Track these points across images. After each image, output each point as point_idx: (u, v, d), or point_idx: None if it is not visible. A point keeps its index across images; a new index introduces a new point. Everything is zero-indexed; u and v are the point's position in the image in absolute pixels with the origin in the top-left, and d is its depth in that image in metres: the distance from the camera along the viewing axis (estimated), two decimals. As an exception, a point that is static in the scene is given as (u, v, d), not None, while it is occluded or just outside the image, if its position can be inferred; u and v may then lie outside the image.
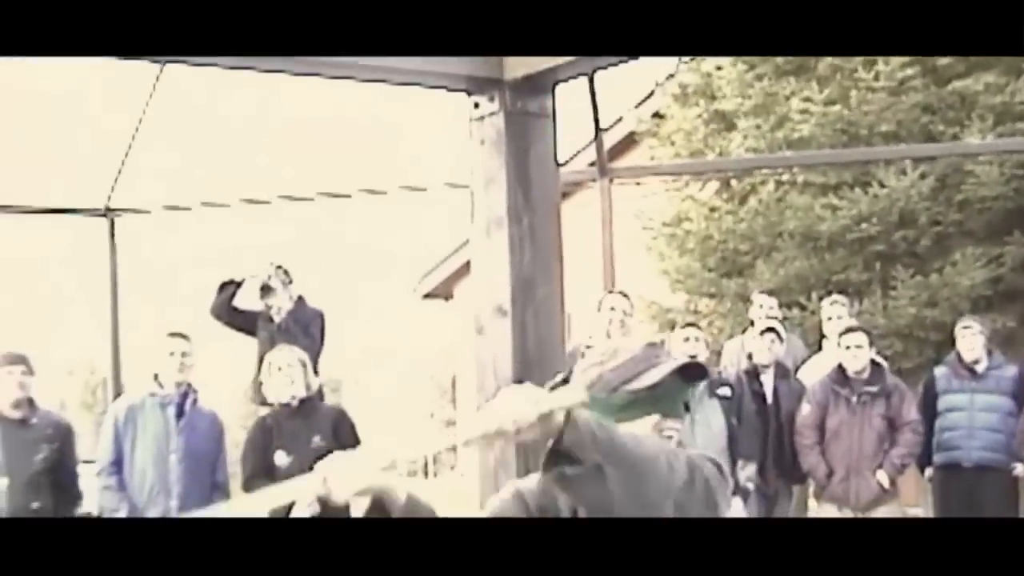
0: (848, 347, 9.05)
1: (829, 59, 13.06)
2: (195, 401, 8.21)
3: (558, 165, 5.39)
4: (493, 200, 5.21)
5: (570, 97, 7.04)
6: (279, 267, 9.63)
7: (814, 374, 9.53)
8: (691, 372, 3.06)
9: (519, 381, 3.06)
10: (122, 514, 7.95)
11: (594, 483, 2.69)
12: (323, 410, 8.21)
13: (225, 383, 25.14)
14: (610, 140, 14.25)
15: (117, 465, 8.06)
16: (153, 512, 7.93)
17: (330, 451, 7.34)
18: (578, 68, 5.21)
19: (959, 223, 12.99)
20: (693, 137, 14.32)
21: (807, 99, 13.06)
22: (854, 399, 8.97)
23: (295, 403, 8.03)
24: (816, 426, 9.06)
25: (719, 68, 13.94)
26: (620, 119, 15.69)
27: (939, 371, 9.65)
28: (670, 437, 3.00)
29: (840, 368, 9.08)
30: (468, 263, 18.23)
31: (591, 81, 10.36)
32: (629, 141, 15.77)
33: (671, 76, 14.80)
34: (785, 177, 13.62)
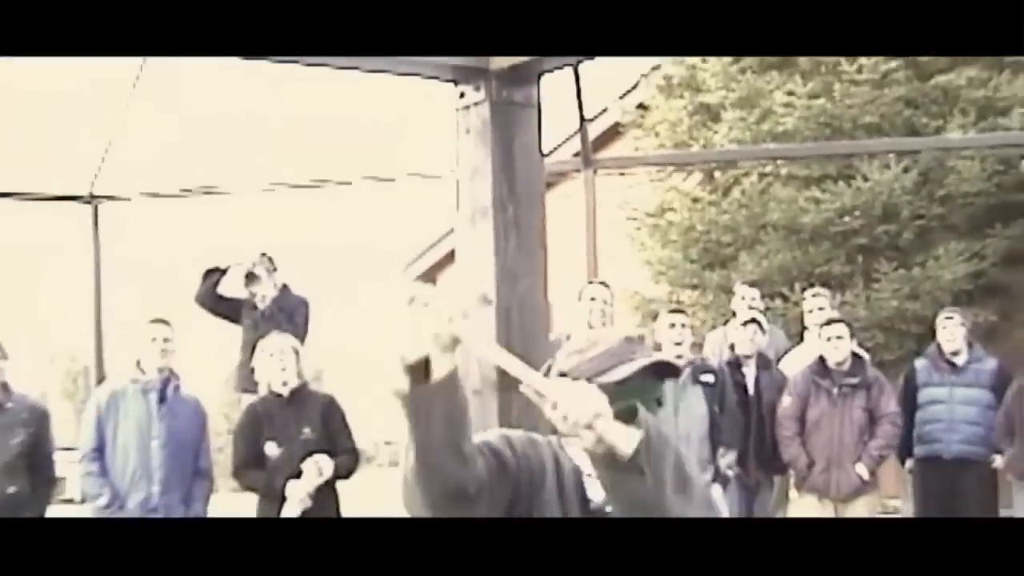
0: (829, 339, 9.09)
1: (813, 53, 13.10)
2: (177, 387, 8.20)
3: (543, 155, 5.41)
4: (478, 189, 5.23)
5: (555, 87, 7.06)
6: (264, 255, 9.65)
7: (795, 365, 9.58)
8: (663, 369, 3.09)
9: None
10: (104, 500, 7.94)
11: (634, 482, 2.74)
12: (313, 399, 8.20)
13: (206, 371, 25.10)
14: (595, 131, 14.27)
15: (99, 451, 8.04)
16: (135, 498, 7.93)
17: (319, 443, 7.36)
18: (563, 59, 5.24)
19: (941, 217, 13.04)
20: (678, 128, 14.35)
21: (791, 92, 13.09)
22: (835, 391, 9.01)
23: (286, 393, 8.04)
24: (797, 417, 9.10)
25: (704, 61, 13.96)
26: (605, 110, 15.69)
27: (919, 363, 9.71)
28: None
29: (821, 360, 9.12)
30: (451, 252, 18.25)
31: (576, 72, 10.38)
32: (614, 132, 15.79)
33: (656, 68, 14.82)
34: (769, 169, 13.65)
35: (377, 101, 55.60)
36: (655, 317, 10.71)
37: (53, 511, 8.42)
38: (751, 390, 9.39)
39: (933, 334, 9.72)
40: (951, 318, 9.60)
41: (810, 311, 10.13)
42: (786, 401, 9.16)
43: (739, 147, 13.53)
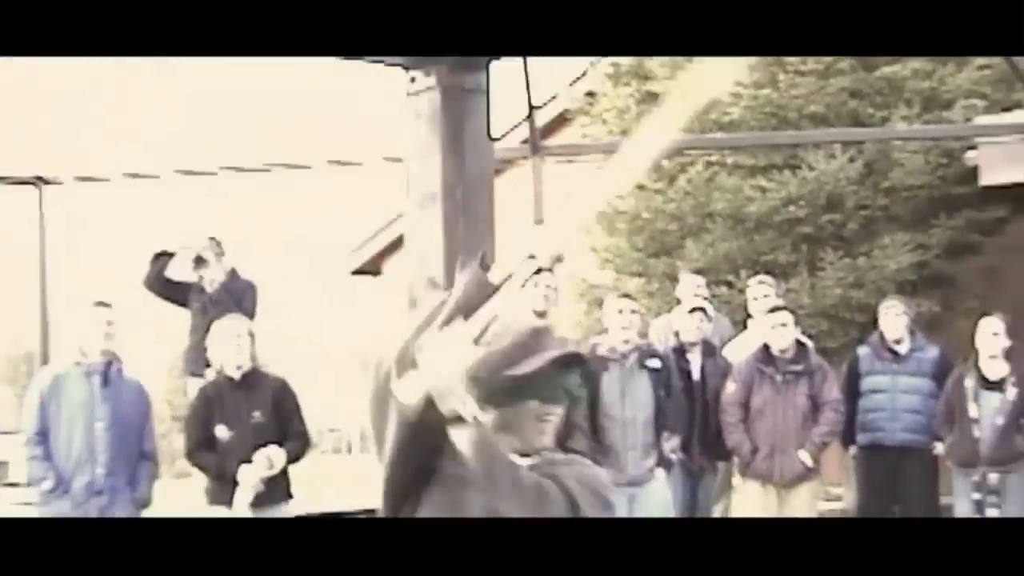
0: (773, 326, 9.17)
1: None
2: (120, 370, 8.20)
3: (492, 140, 5.44)
4: (428, 174, 5.25)
5: (505, 75, 7.08)
6: (212, 239, 9.64)
7: (740, 353, 9.65)
8: (570, 360, 3.11)
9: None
10: (49, 484, 7.93)
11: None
12: (265, 383, 8.21)
13: (148, 359, 24.96)
14: (543, 118, 14.29)
15: (43, 435, 8.02)
16: (80, 481, 7.93)
17: (269, 427, 7.37)
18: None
19: (885, 208, 13.13)
20: (625, 116, 14.36)
21: (737, 82, 13.13)
22: (779, 378, 9.09)
23: (238, 376, 8.05)
24: (741, 404, 9.18)
25: (656, 50, 13.93)
26: (554, 97, 15.71)
27: (862, 351, 9.80)
28: (548, 421, 3.06)
29: (765, 347, 9.20)
30: (397, 239, 18.18)
31: (525, 59, 10.38)
32: (562, 119, 15.80)
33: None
34: (715, 158, 13.69)
35: (327, 84, 55.21)
36: (601, 304, 10.75)
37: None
38: (696, 377, 9.45)
39: (876, 323, 9.82)
40: (893, 307, 9.70)
41: (754, 299, 10.20)
42: (730, 388, 9.23)
43: (686, 136, 13.58)
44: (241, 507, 7.80)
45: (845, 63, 13.00)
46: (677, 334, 9.58)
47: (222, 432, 7.97)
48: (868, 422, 9.61)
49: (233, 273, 9.75)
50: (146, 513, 8.25)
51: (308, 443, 8.29)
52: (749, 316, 10.31)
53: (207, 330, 8.58)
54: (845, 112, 13.15)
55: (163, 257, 9.80)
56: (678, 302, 10.29)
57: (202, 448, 8.06)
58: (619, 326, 8.74)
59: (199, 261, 9.61)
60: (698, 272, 11.05)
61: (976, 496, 9.06)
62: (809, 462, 9.02)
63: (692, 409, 9.29)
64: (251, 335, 8.20)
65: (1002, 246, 13.25)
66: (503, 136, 14.10)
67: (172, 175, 11.93)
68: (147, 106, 61.80)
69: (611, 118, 14.52)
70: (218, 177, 11.92)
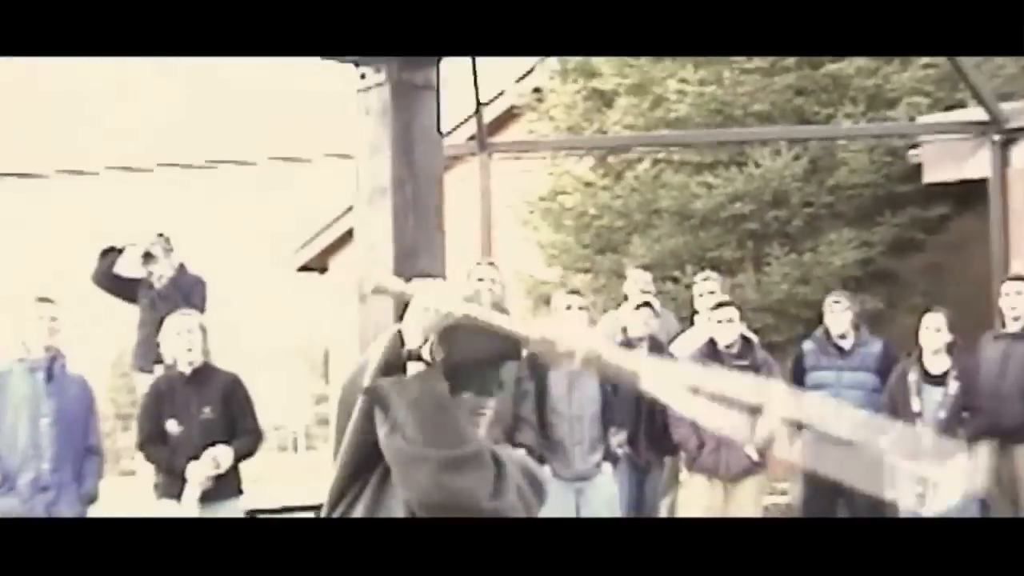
0: (720, 321, 9.22)
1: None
2: (63, 365, 8.18)
3: (441, 136, 5.46)
4: (377, 169, 5.27)
5: (453, 70, 7.10)
6: (160, 235, 9.62)
7: (686, 348, 9.69)
8: (506, 353, 3.10)
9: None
10: (-7, 480, 7.89)
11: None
12: (216, 378, 8.20)
13: (90, 356, 24.80)
14: (491, 114, 14.31)
15: (-13, 431, 7.98)
16: (26, 477, 7.89)
17: (219, 423, 7.37)
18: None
19: (830, 205, 13.23)
20: (573, 112, 14.42)
21: (683, 80, 13.20)
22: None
23: (188, 371, 8.04)
24: (688, 399, 9.21)
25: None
26: (501, 93, 15.74)
27: (807, 346, 9.87)
28: (483, 415, 3.07)
29: (711, 342, 9.25)
30: (344, 236, 18.13)
31: (473, 57, 10.40)
32: (509, 115, 15.83)
33: (551, 52, 14.87)
34: (661, 155, 13.76)
35: (277, 79, 55.07)
36: (548, 300, 10.78)
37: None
38: (643, 372, 9.47)
39: (821, 318, 9.90)
40: (838, 302, 9.78)
41: (700, 295, 10.26)
42: (677, 383, 9.26)
43: (632, 133, 13.64)
44: (190, 503, 7.80)
45: (790, 60, 13.08)
46: (624, 330, 9.60)
47: (172, 427, 7.97)
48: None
49: (182, 268, 9.73)
50: (92, 511, 8.21)
51: (260, 439, 8.29)
52: (695, 312, 10.36)
53: (156, 326, 8.56)
54: (790, 109, 13.25)
55: (111, 253, 9.76)
56: (625, 298, 10.33)
57: (153, 442, 8.06)
58: (566, 322, 8.76)
59: (148, 257, 9.58)
60: (645, 268, 11.10)
61: (919, 490, 9.14)
62: (755, 456, 9.08)
63: (639, 404, 9.31)
64: (203, 330, 8.20)
65: (945, 243, 13.39)
66: (450, 132, 14.12)
67: (116, 172, 11.86)
68: (89, 102, 61.41)
69: (558, 114, 14.57)
70: (163, 173, 11.86)
